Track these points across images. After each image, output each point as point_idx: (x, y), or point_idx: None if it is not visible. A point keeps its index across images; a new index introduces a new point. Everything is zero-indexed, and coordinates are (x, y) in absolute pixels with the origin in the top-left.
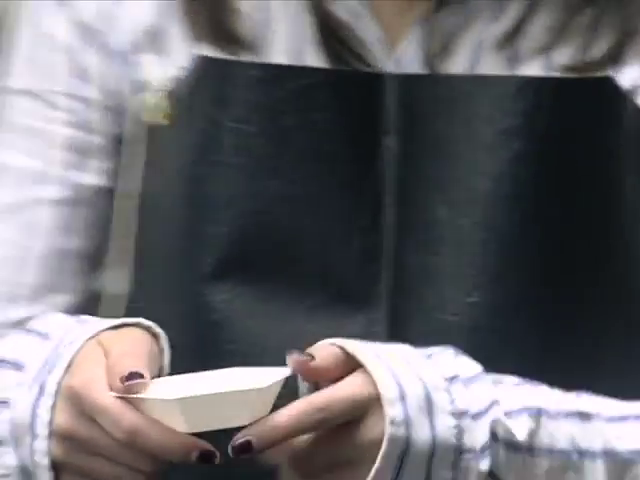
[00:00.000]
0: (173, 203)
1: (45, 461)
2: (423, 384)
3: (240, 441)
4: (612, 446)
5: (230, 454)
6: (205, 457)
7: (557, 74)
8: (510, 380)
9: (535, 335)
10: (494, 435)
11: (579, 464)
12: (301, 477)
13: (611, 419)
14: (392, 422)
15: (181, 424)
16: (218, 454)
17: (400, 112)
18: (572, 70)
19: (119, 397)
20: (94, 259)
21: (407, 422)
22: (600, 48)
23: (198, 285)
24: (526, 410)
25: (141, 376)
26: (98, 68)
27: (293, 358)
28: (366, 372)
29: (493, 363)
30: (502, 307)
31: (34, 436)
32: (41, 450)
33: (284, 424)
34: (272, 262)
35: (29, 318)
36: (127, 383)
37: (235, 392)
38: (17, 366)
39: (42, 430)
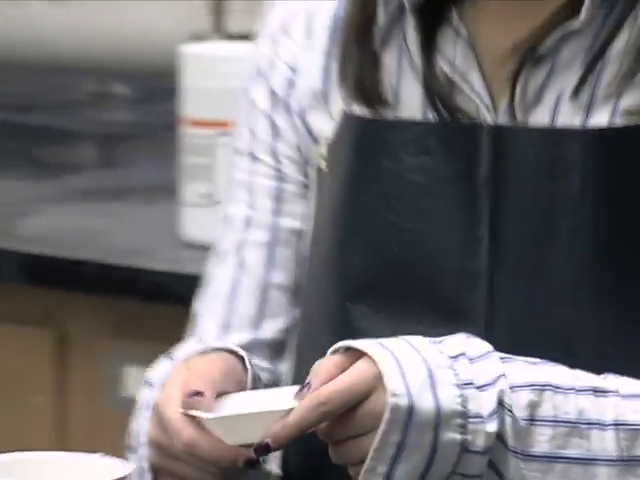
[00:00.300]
0: (324, 236)
1: (146, 465)
2: (426, 363)
3: (260, 444)
4: (625, 418)
5: (254, 455)
6: (250, 463)
7: (623, 120)
8: (525, 359)
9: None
10: (501, 401)
11: (586, 432)
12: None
13: (629, 396)
14: (393, 394)
15: (224, 437)
16: (261, 460)
17: (494, 162)
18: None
19: (184, 413)
20: (293, 292)
21: (409, 394)
22: None
23: (339, 308)
24: (531, 385)
25: (200, 394)
26: (285, 127)
27: (298, 398)
28: (368, 358)
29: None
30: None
31: (140, 444)
32: (143, 456)
33: (292, 423)
34: (397, 288)
35: (243, 344)
36: (185, 400)
37: (263, 412)
38: (149, 385)
39: (143, 438)
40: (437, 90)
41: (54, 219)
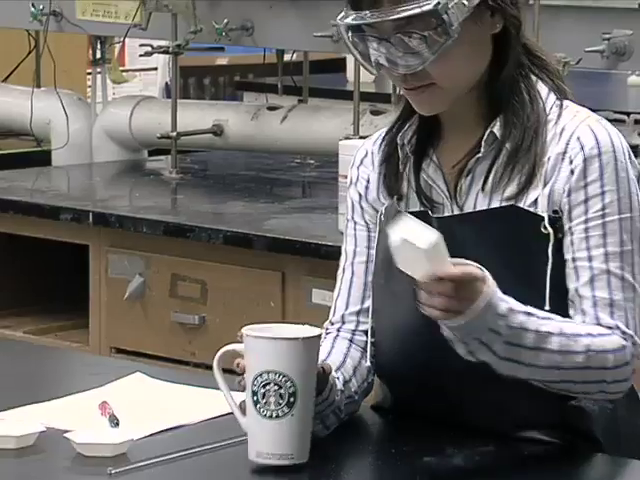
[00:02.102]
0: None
1: None
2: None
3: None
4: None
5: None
6: None
7: (504, 204)
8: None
9: None
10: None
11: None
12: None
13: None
14: (484, 293)
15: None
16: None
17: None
18: (511, 199)
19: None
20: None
21: (489, 303)
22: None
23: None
24: (521, 312)
25: None
26: (365, 207)
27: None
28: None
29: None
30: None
31: None
32: None
33: (444, 275)
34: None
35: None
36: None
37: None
38: None
39: None
40: (421, 192)
41: None
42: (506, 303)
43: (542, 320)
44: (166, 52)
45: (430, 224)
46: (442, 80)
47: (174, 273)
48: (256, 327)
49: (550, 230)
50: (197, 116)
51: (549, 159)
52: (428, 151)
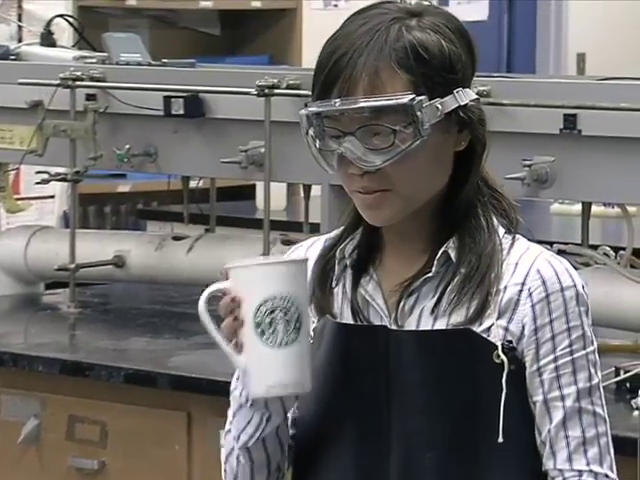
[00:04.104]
0: None
1: None
2: None
3: None
4: None
5: None
6: None
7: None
8: None
9: None
10: None
11: None
12: None
13: None
14: None
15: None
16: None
17: (387, 349)
18: (462, 324)
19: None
20: None
21: None
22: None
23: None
24: None
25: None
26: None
27: None
28: None
29: None
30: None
31: None
32: None
33: None
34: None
35: None
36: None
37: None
38: None
39: None
40: (358, 309)
41: None
42: None
43: None
44: (64, 180)
45: (381, 337)
46: (402, 185)
47: (72, 414)
48: (234, 263)
49: (504, 359)
50: (97, 246)
51: (505, 289)
52: (368, 267)
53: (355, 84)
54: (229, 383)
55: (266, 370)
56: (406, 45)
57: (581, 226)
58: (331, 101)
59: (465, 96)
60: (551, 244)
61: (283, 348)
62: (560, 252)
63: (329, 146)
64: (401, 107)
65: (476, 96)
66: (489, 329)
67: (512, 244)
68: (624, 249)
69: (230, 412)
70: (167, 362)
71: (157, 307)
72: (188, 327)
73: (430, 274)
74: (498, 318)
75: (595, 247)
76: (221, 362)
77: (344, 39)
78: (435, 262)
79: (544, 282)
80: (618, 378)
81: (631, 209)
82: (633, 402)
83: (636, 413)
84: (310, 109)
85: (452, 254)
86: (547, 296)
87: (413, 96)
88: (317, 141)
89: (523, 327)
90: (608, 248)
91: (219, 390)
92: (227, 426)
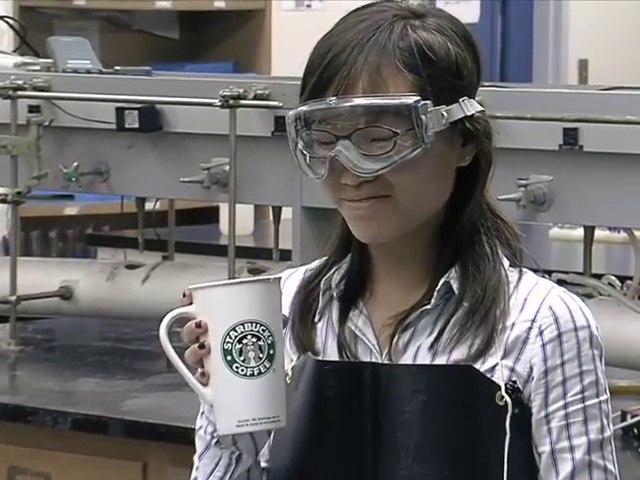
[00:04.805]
0: None
1: None
2: None
3: None
4: None
5: None
6: None
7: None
8: None
9: None
10: None
11: None
12: None
13: None
14: None
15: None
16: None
17: (373, 387)
18: (463, 361)
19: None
20: None
21: None
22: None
23: None
24: None
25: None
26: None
27: None
28: None
29: None
30: None
31: None
32: None
33: None
34: None
35: None
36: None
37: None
38: None
39: None
40: (345, 345)
41: None
42: None
43: None
44: (4, 201)
45: (367, 374)
46: (403, 192)
47: (12, 465)
48: (201, 284)
49: (508, 400)
50: (41, 276)
51: (513, 326)
52: (357, 298)
53: (354, 82)
54: (191, 429)
55: (236, 403)
56: (412, 44)
57: (583, 253)
58: (326, 99)
59: (471, 106)
60: (550, 273)
61: (255, 378)
62: (560, 282)
63: (316, 153)
64: (405, 108)
65: (481, 107)
66: (493, 369)
67: (520, 277)
68: (631, 278)
69: (196, 456)
70: (120, 406)
71: (108, 344)
72: (143, 366)
73: (429, 306)
74: (503, 357)
75: (599, 276)
76: (181, 405)
77: (341, 36)
78: (435, 293)
79: (557, 320)
80: (625, 423)
81: (638, 234)
82: None
83: None
84: (301, 108)
85: (454, 285)
86: (559, 335)
87: (418, 98)
88: (307, 148)
89: (531, 368)
90: (613, 277)
91: (179, 437)
92: (193, 473)
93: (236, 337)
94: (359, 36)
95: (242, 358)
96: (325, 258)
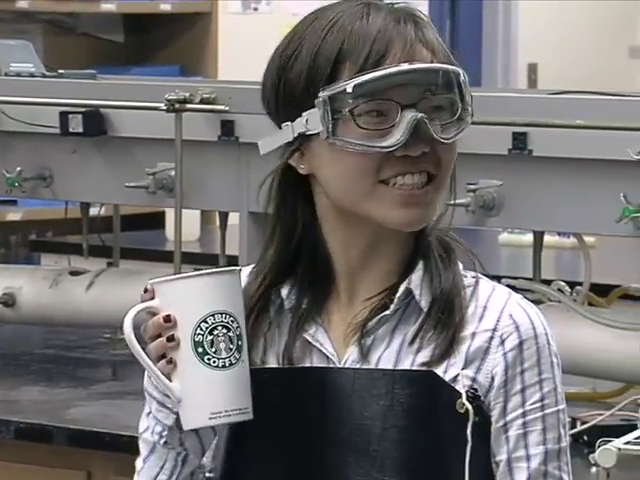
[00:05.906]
0: None
1: None
2: None
3: None
4: None
5: None
6: None
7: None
8: None
9: None
10: None
11: None
12: None
13: None
14: None
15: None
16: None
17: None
18: (426, 365)
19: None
20: None
21: None
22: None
23: None
24: None
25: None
26: None
27: None
28: None
29: None
30: None
31: None
32: None
33: None
34: None
35: None
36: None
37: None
38: None
39: None
40: (298, 355)
41: None
42: None
43: None
44: None
45: (315, 380)
46: (445, 171)
47: None
48: (163, 278)
49: (469, 407)
50: None
51: (473, 335)
52: (312, 306)
53: (414, 51)
54: (135, 438)
55: (209, 395)
56: (431, 32)
57: (532, 258)
58: (391, 65)
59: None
60: (499, 279)
61: (227, 369)
62: (509, 288)
63: (375, 125)
64: (463, 78)
65: None
66: (454, 379)
67: (476, 283)
68: (581, 284)
69: (139, 460)
70: (64, 415)
71: (52, 352)
72: (88, 374)
73: (388, 312)
74: (464, 368)
75: (548, 282)
76: (125, 414)
77: (366, 19)
78: (396, 299)
79: (517, 328)
80: (574, 430)
81: (588, 239)
82: (591, 457)
83: (594, 470)
84: (364, 78)
85: (416, 292)
86: (521, 343)
87: (463, 72)
88: (362, 122)
89: (492, 378)
90: (563, 283)
91: (123, 446)
92: (135, 478)
93: (207, 328)
94: (389, 17)
95: (214, 349)
96: (269, 263)
